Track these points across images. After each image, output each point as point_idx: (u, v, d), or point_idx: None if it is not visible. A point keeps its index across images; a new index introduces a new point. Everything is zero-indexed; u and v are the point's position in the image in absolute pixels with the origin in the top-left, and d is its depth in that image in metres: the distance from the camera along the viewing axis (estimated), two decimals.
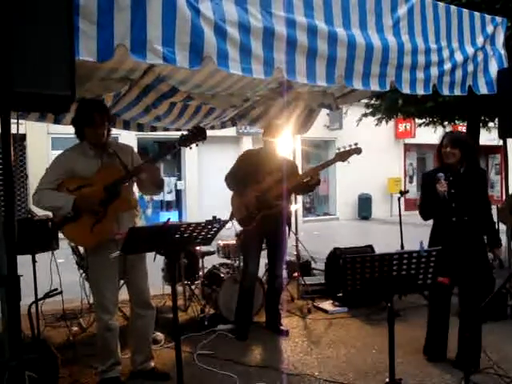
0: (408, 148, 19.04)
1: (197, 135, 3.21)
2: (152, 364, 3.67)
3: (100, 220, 3.27)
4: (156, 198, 14.45)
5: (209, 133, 5.52)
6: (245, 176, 4.43)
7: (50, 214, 3.57)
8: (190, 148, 3.28)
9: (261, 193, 4.37)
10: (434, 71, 4.00)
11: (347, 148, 4.28)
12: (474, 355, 3.66)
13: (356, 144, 4.34)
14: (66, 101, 2.07)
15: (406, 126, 17.82)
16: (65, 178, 3.33)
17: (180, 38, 2.84)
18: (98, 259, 3.36)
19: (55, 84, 1.98)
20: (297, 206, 5.97)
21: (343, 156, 4.29)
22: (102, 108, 3.45)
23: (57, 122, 5.26)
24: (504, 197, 6.74)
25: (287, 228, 4.67)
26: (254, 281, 4.62)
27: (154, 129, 6.08)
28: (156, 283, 5.13)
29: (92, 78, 4.15)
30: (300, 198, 14.44)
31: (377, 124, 9.36)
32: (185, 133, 3.25)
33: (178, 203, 15.00)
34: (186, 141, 3.22)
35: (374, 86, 3.75)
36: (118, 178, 3.30)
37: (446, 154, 3.69)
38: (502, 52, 4.43)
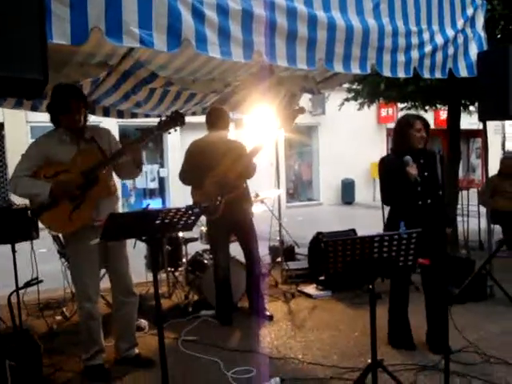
0: (390, 133, 19.02)
1: (175, 120, 3.17)
2: (136, 351, 3.66)
3: (78, 206, 3.23)
4: (139, 185, 14.37)
5: (191, 119, 5.51)
6: (198, 167, 4.38)
7: (29, 202, 3.51)
8: (169, 133, 3.25)
9: (218, 178, 4.31)
10: (415, 54, 4.00)
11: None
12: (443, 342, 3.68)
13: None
14: (39, 85, 2.01)
15: (388, 111, 17.87)
16: (41, 164, 3.27)
17: (157, 20, 2.80)
18: (78, 247, 3.33)
19: (27, 68, 1.93)
20: (279, 190, 5.96)
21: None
22: (78, 94, 3.38)
23: (34, 109, 5.17)
24: (484, 180, 6.82)
25: (252, 210, 4.67)
26: (227, 270, 4.57)
27: (134, 115, 6.01)
28: (139, 271, 5.11)
29: (69, 63, 4.09)
30: (283, 183, 14.47)
31: (359, 109, 9.34)
32: (163, 118, 3.21)
33: (161, 191, 14.92)
34: (163, 126, 3.18)
35: (355, 69, 3.74)
36: (96, 163, 3.25)
37: (419, 139, 3.63)
38: (482, 34, 4.44)
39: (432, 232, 3.55)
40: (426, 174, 3.59)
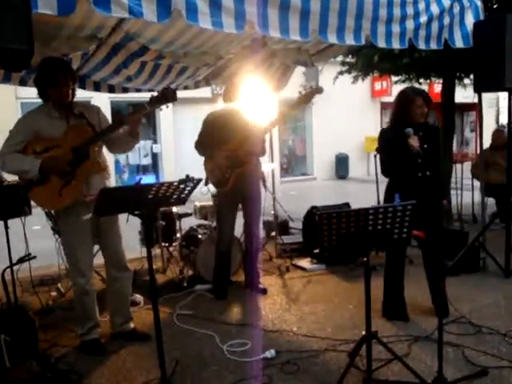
0: (384, 106, 19.00)
1: (167, 96, 3.11)
2: (132, 325, 3.68)
3: (69, 182, 3.19)
4: (132, 162, 14.29)
5: (183, 94, 5.44)
6: (213, 138, 4.38)
7: (18, 179, 3.47)
8: (161, 109, 3.21)
9: (231, 152, 4.33)
10: (410, 24, 3.94)
11: (308, 90, 4.18)
12: (443, 307, 3.74)
13: (317, 84, 4.26)
14: (25, 56, 1.96)
15: (382, 85, 17.76)
16: (29, 139, 3.22)
17: None
18: (70, 223, 3.30)
19: (11, 38, 1.87)
20: (273, 165, 5.94)
21: (307, 98, 4.17)
22: (66, 67, 3.31)
23: (23, 83, 5.06)
24: (478, 154, 6.83)
25: (262, 186, 4.66)
26: (230, 244, 4.62)
27: (125, 90, 5.91)
28: (134, 246, 5.11)
29: (58, 36, 3.99)
30: (277, 158, 14.44)
31: (353, 82, 9.25)
32: (154, 94, 3.15)
33: (154, 167, 14.85)
34: (155, 102, 3.13)
35: (349, 40, 3.68)
36: (87, 139, 3.20)
37: (420, 115, 3.61)
38: (479, 4, 4.37)
39: (430, 204, 3.57)
40: (425, 146, 3.59)
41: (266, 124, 4.44)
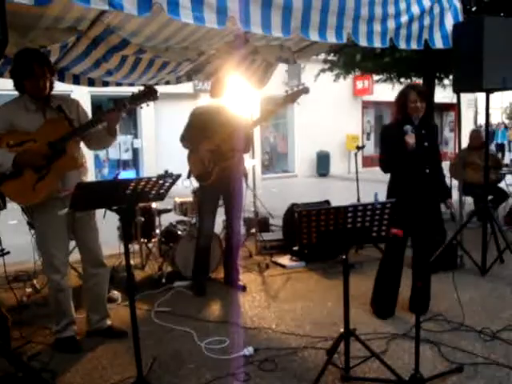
0: (366, 105, 19.17)
1: (148, 94, 3.09)
2: (108, 322, 3.63)
3: (43, 177, 3.12)
4: (112, 156, 14.12)
5: (165, 89, 5.39)
6: (198, 132, 4.39)
7: None
8: (141, 107, 3.18)
9: (215, 146, 4.34)
10: (391, 24, 3.95)
11: (295, 89, 4.19)
12: (424, 302, 3.83)
13: (303, 84, 4.26)
14: None
15: (364, 83, 17.88)
16: (4, 132, 3.14)
17: None
18: (45, 218, 3.24)
19: None
20: (254, 161, 5.93)
21: (293, 97, 4.18)
22: (42, 58, 3.24)
23: None
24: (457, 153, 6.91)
25: (243, 183, 4.66)
26: (210, 239, 4.61)
27: (106, 84, 5.83)
28: (112, 242, 5.05)
29: (36, 27, 3.91)
30: (258, 154, 14.43)
31: (335, 80, 9.31)
32: (135, 91, 3.12)
33: (135, 162, 14.71)
34: (136, 100, 3.10)
35: (331, 38, 3.67)
36: (65, 134, 3.14)
37: (415, 109, 3.62)
38: (458, 5, 4.40)
39: (429, 202, 3.62)
40: (426, 144, 3.63)
41: (251, 121, 4.44)
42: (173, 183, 2.67)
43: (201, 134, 4.36)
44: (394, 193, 3.75)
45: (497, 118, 38.29)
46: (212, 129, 4.34)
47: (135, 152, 14.60)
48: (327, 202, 5.84)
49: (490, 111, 4.98)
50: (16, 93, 3.30)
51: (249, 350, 3.28)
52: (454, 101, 5.06)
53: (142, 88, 3.14)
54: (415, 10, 4.06)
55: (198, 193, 4.76)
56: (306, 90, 4.14)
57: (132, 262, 2.86)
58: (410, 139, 3.52)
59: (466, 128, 6.40)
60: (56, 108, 3.23)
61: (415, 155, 3.58)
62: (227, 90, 4.56)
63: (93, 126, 3.22)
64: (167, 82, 6.02)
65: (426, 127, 3.69)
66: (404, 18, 4.00)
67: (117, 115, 3.22)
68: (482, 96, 5.09)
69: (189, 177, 4.47)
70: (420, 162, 3.63)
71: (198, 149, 4.38)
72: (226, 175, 4.40)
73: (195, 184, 4.63)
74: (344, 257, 2.75)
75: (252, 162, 5.84)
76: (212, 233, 4.65)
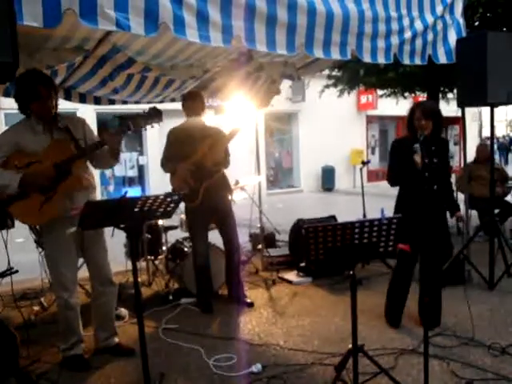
0: (370, 120, 19.23)
1: (152, 116, 3.13)
2: (116, 340, 3.63)
3: (50, 198, 3.14)
4: (118, 173, 14.19)
5: (170, 106, 5.44)
6: (177, 154, 4.37)
7: None
8: (145, 129, 3.20)
9: (198, 164, 4.32)
10: (395, 40, 4.00)
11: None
12: (435, 317, 3.82)
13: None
14: (9, 68, 1.94)
15: (368, 98, 17.94)
16: (11, 154, 3.15)
17: (133, 3, 2.74)
18: (54, 236, 3.26)
19: None
20: (259, 177, 5.94)
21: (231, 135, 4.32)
22: (47, 80, 3.24)
23: (7, 94, 5.01)
24: (462, 167, 6.91)
25: (231, 199, 4.71)
26: (207, 257, 4.57)
27: (111, 102, 5.89)
28: (119, 259, 5.06)
29: (43, 47, 3.99)
30: (263, 170, 14.44)
31: (339, 95, 9.35)
32: (140, 112, 3.15)
33: (140, 179, 14.76)
34: (141, 121, 3.14)
35: (335, 55, 3.72)
36: (70, 156, 3.16)
37: (420, 126, 3.64)
38: (461, 21, 4.45)
39: (436, 217, 3.61)
40: (435, 160, 3.64)
41: (229, 131, 4.41)
42: (180, 201, 2.69)
43: (180, 154, 4.33)
44: (401, 208, 3.77)
45: (501, 130, 38.28)
46: (191, 147, 4.32)
47: (141, 169, 14.66)
48: (333, 217, 5.83)
49: (495, 124, 4.98)
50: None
51: (257, 367, 3.26)
52: (459, 114, 5.07)
53: (146, 110, 3.17)
54: (418, 25, 4.11)
55: (186, 214, 4.65)
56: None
57: (139, 279, 2.86)
58: (418, 158, 3.50)
59: (471, 141, 6.40)
60: (63, 128, 3.26)
61: (424, 172, 3.58)
62: (202, 105, 4.53)
63: (96, 148, 3.25)
64: (172, 100, 6.07)
65: (435, 143, 3.70)
66: (407, 34, 4.05)
67: (117, 138, 3.24)
68: (486, 109, 5.11)
69: (181, 201, 4.41)
70: (429, 178, 3.63)
71: (177, 169, 4.34)
72: (213, 194, 4.38)
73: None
74: (351, 273, 2.75)
75: (258, 178, 5.85)
76: (208, 251, 4.60)
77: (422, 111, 3.64)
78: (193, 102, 4.49)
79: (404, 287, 3.90)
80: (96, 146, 3.24)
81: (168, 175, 4.52)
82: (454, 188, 6.90)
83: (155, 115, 3.12)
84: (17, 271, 3.65)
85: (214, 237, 4.70)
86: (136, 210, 2.58)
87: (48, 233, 3.31)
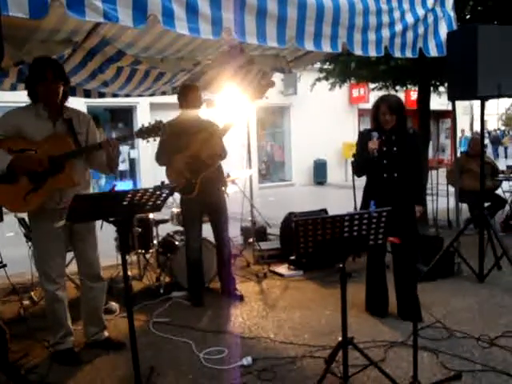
0: (362, 113, 19.22)
1: (154, 130, 3.14)
2: (106, 334, 3.62)
3: (36, 190, 3.11)
4: None
5: (162, 99, 5.42)
6: (172, 148, 4.35)
7: None
8: (148, 141, 3.23)
9: (193, 156, 4.33)
10: (386, 33, 3.98)
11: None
12: (415, 313, 3.79)
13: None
14: None
15: (360, 91, 17.94)
16: (10, 135, 3.12)
17: None
18: (42, 229, 3.23)
19: None
20: (251, 170, 5.94)
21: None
22: (56, 65, 3.26)
23: (13, 88, 4.95)
24: (453, 160, 6.93)
25: (225, 194, 4.73)
26: (200, 250, 4.57)
27: (102, 95, 5.85)
28: (110, 253, 5.04)
29: (31, 39, 3.93)
30: (255, 163, 14.43)
31: (330, 89, 9.34)
32: (145, 124, 3.17)
33: (131, 172, 14.71)
34: (145, 133, 3.16)
35: (326, 47, 3.70)
36: (66, 152, 3.13)
37: (384, 121, 3.77)
38: (452, 14, 4.44)
39: (400, 207, 3.64)
40: (394, 149, 3.75)
41: (222, 125, 4.42)
42: (169, 194, 2.68)
43: (176, 147, 4.33)
44: (366, 196, 3.88)
45: (493, 124, 38.46)
46: (187, 140, 4.32)
47: (132, 162, 14.60)
48: (324, 210, 5.84)
49: (486, 118, 5.01)
50: (15, 105, 3.29)
51: (247, 360, 3.27)
52: (450, 108, 5.08)
53: (151, 123, 3.18)
54: (409, 18, 4.10)
55: (181, 206, 4.67)
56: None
57: (129, 273, 2.85)
58: (372, 145, 3.69)
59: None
60: (67, 119, 3.24)
61: (382, 160, 3.72)
62: (198, 99, 4.51)
63: (91, 151, 3.26)
64: (163, 93, 6.04)
65: (397, 134, 3.79)
66: (398, 27, 4.04)
67: (114, 143, 3.20)
68: (477, 103, 5.12)
69: (172, 194, 4.42)
70: (387, 166, 3.74)
71: (173, 161, 4.35)
72: (209, 187, 4.40)
73: (176, 198, 4.59)
74: (341, 266, 2.76)
75: (249, 172, 5.84)
76: (200, 244, 4.61)
77: (387, 106, 3.75)
78: (192, 94, 4.47)
79: (379, 275, 3.95)
80: (91, 149, 3.24)
81: (160, 169, 4.51)
82: (445, 181, 6.97)
83: (156, 129, 3.15)
84: (5, 265, 3.63)
85: (205, 230, 4.69)
86: (125, 203, 2.57)
87: (36, 225, 3.28)
